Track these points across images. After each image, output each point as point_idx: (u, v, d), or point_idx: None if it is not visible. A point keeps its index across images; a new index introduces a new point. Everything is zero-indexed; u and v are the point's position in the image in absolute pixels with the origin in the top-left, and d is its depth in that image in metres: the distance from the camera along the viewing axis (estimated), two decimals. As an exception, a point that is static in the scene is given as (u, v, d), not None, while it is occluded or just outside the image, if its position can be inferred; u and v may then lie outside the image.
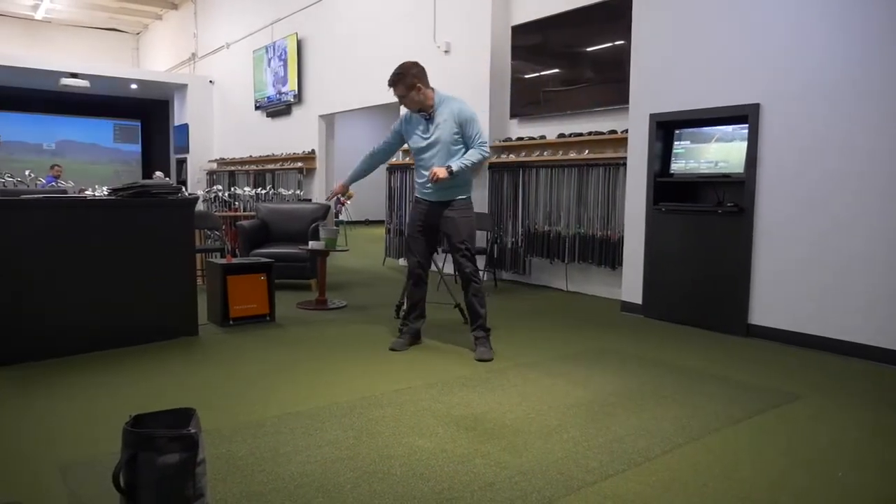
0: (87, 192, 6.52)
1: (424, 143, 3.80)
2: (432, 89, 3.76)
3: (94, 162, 16.37)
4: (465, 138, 3.74)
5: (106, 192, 5.55)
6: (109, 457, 2.23)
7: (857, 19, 3.79)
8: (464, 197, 3.84)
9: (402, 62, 3.76)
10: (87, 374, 3.36)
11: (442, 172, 3.61)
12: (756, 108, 4.24)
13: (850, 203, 3.85)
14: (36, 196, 3.85)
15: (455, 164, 3.65)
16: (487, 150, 3.80)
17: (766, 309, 4.27)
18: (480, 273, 3.89)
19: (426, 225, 3.89)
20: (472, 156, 3.69)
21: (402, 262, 7.99)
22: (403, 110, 3.94)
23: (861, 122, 3.78)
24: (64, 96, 14.79)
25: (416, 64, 3.73)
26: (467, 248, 3.80)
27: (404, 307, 4.50)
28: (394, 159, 8.11)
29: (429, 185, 3.75)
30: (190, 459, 1.73)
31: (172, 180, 13.78)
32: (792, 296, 4.13)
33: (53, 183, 9.11)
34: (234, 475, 2.20)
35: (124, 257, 3.89)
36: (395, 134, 3.98)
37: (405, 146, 4.06)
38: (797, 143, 4.07)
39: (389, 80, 3.73)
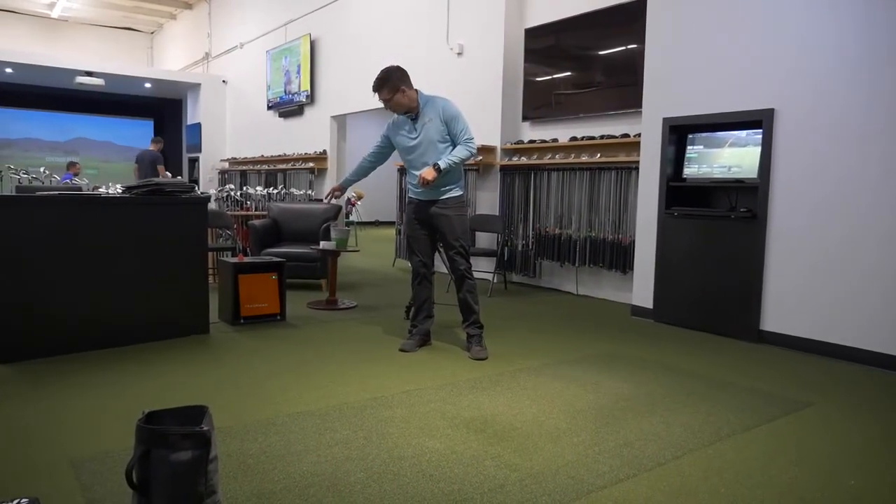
0: (101, 190, 6.57)
1: (412, 144, 3.83)
2: (416, 90, 3.80)
3: (108, 160, 16.51)
4: (451, 136, 3.77)
5: (120, 190, 5.59)
6: (122, 453, 2.26)
7: (872, 24, 3.76)
8: (457, 194, 3.85)
9: (383, 68, 3.79)
10: (99, 371, 3.39)
11: (430, 174, 3.65)
12: (770, 113, 4.21)
13: (864, 209, 3.82)
14: (51, 193, 3.89)
15: (442, 162, 3.68)
16: (474, 146, 3.81)
17: (778, 315, 4.24)
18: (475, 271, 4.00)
19: (424, 223, 3.91)
20: (460, 152, 3.72)
21: (412, 263, 7.99)
22: (391, 122, 4.00)
23: (876, 127, 3.75)
24: (79, 94, 14.93)
25: (398, 68, 3.78)
26: (462, 246, 3.83)
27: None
28: (405, 160, 8.13)
29: (420, 186, 3.77)
30: (202, 457, 1.74)
31: (185, 179, 13.86)
32: (804, 302, 4.10)
33: (69, 180, 9.23)
34: (245, 473, 2.22)
35: (137, 255, 3.92)
36: (385, 139, 4.02)
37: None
38: (812, 149, 4.05)
39: (374, 86, 3.76)
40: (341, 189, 4.32)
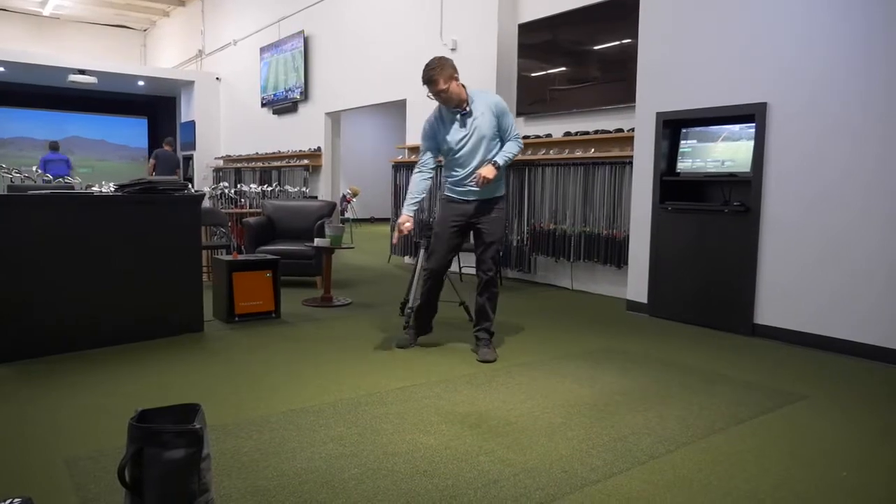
0: (94, 189, 6.55)
1: (462, 140, 3.58)
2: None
3: (102, 158, 16.46)
4: (501, 131, 3.61)
5: (113, 189, 5.57)
6: (116, 452, 2.25)
7: (864, 16, 3.76)
8: (502, 193, 3.72)
9: (429, 60, 3.52)
10: (93, 370, 3.38)
11: (490, 172, 3.44)
12: (763, 106, 4.22)
13: (857, 202, 3.83)
14: (43, 192, 3.87)
15: (500, 158, 3.52)
16: (521, 141, 3.68)
17: (772, 308, 4.25)
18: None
19: (462, 225, 3.69)
20: (513, 148, 3.58)
21: (407, 259, 7.99)
22: (428, 114, 3.68)
23: (869, 120, 3.76)
24: (72, 93, 14.87)
25: (444, 56, 3.56)
26: (497, 249, 3.70)
27: (409, 304, 4.50)
28: (398, 156, 8.12)
29: (470, 184, 3.55)
30: (195, 455, 1.74)
31: (179, 177, 13.87)
32: (798, 295, 4.11)
33: (64, 177, 9.28)
34: (239, 470, 2.21)
35: (130, 253, 3.90)
36: (431, 141, 3.67)
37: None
38: (804, 142, 4.05)
39: (426, 77, 3.47)
40: (410, 218, 3.63)
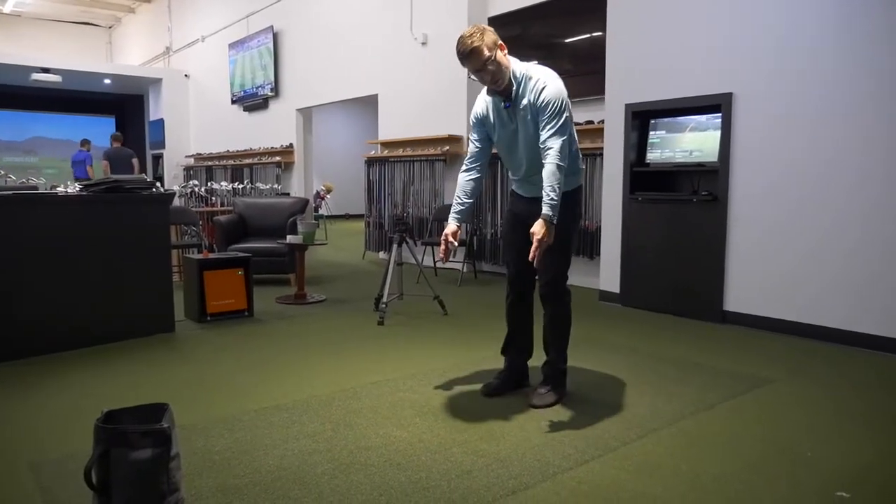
0: (59, 189, 6.41)
1: (508, 137, 2.74)
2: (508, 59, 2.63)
3: (68, 158, 16.10)
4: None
5: (78, 188, 5.46)
6: (84, 454, 2.21)
7: (825, 7, 3.83)
8: (572, 188, 2.81)
9: (462, 34, 2.55)
10: (62, 373, 3.32)
11: (546, 234, 2.48)
12: (728, 97, 4.28)
13: (821, 190, 3.91)
14: (5, 193, 3.77)
15: (547, 208, 2.49)
16: (561, 150, 2.54)
17: (740, 295, 4.33)
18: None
19: (525, 227, 2.69)
20: (551, 177, 2.49)
21: (381, 255, 7.97)
22: (478, 104, 2.80)
23: (831, 108, 3.84)
24: (36, 92, 14.53)
25: (481, 25, 2.62)
26: (557, 260, 2.94)
27: (384, 299, 4.49)
28: (372, 151, 8.08)
29: (529, 181, 2.84)
30: (163, 454, 1.72)
31: (149, 176, 13.65)
32: (766, 282, 4.19)
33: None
34: (210, 469, 2.19)
35: (98, 254, 3.84)
36: (479, 129, 2.82)
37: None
38: (769, 132, 4.12)
39: (464, 51, 2.52)
40: (456, 229, 2.78)
